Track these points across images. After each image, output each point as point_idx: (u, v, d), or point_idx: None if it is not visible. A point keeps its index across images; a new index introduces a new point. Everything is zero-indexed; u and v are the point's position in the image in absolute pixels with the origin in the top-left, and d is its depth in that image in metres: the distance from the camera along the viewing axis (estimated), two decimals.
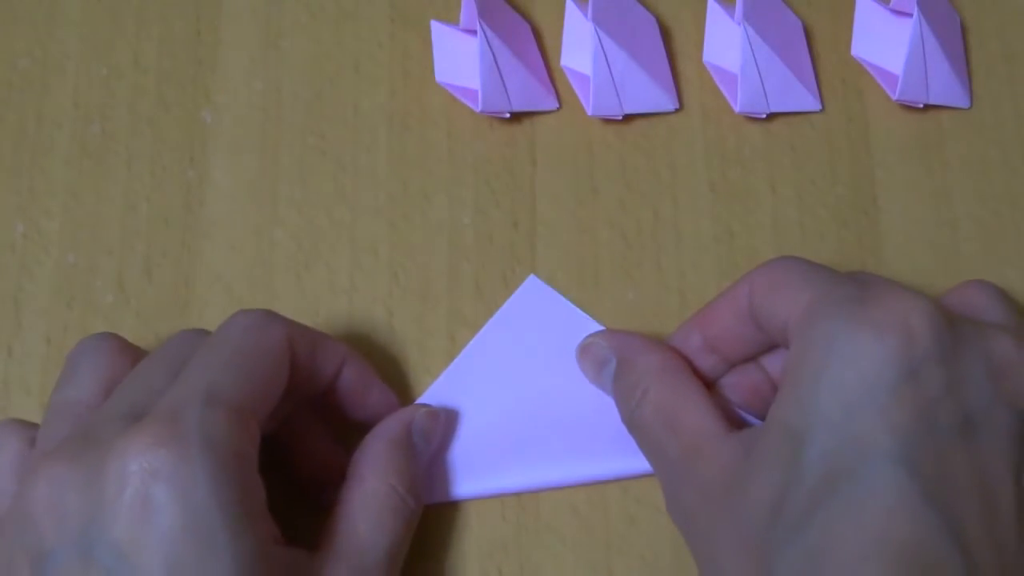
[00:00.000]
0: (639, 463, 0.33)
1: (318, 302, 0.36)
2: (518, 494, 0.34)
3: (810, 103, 0.38)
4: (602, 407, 0.34)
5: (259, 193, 0.37)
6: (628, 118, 0.38)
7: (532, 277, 0.36)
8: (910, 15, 0.37)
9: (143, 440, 0.26)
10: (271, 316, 0.31)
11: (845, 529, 0.26)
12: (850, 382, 0.27)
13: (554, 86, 0.38)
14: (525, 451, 0.34)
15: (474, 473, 0.34)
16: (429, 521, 0.33)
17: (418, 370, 0.35)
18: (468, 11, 0.37)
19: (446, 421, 0.34)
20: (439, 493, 0.33)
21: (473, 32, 0.37)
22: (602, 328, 0.35)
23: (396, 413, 0.33)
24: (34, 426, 0.31)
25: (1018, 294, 0.36)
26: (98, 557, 0.26)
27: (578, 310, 0.35)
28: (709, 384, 0.33)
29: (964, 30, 0.39)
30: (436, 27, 0.39)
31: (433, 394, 0.34)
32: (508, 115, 0.37)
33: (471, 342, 0.35)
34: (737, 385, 0.33)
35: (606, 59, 0.37)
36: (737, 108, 0.37)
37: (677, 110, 0.38)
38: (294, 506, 0.32)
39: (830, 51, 0.39)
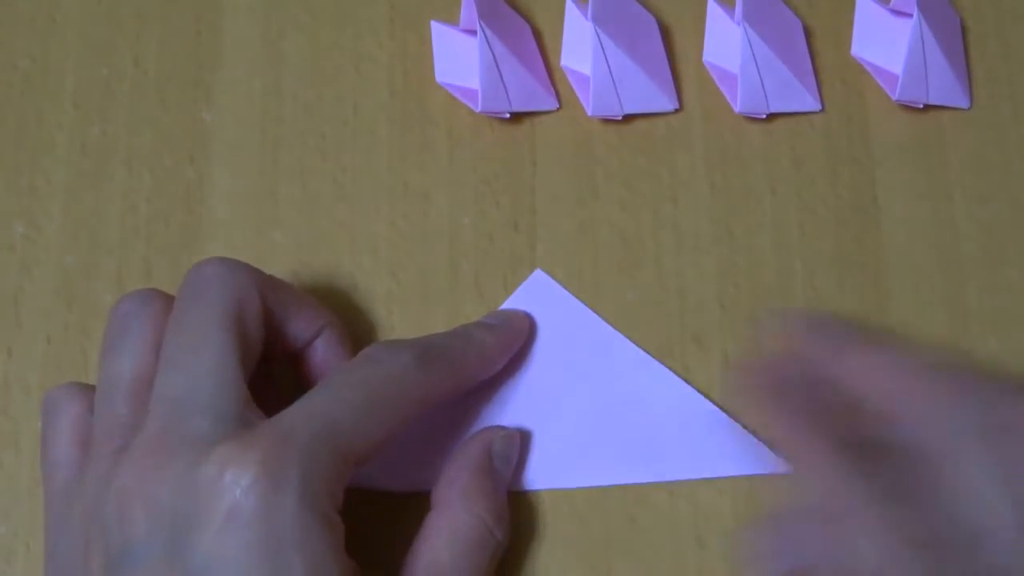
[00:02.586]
0: (638, 469, 0.33)
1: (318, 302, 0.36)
2: (514, 492, 0.34)
3: (810, 103, 0.38)
4: (601, 409, 0.34)
5: (259, 193, 0.37)
6: (628, 118, 0.38)
7: (538, 271, 0.36)
8: (910, 15, 0.37)
9: (247, 455, 0.26)
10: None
11: None
12: None
13: (554, 86, 0.38)
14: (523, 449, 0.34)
15: None
16: None
17: None
18: (468, 11, 0.37)
19: (521, 441, 0.33)
20: (430, 482, 0.33)
21: (473, 32, 0.37)
22: (607, 326, 0.35)
23: (475, 436, 0.33)
24: (92, 389, 0.31)
25: (1018, 293, 0.36)
26: (184, 562, 0.26)
27: (584, 307, 0.35)
28: None
29: (964, 30, 0.39)
30: (436, 27, 0.39)
31: None
32: (508, 115, 0.37)
33: None
34: None
35: (606, 59, 0.37)
36: (737, 108, 0.37)
37: (677, 110, 0.38)
38: (374, 534, 0.32)
39: (830, 51, 0.39)
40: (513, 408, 0.34)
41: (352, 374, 0.30)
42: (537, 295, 0.36)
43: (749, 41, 0.37)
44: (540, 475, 0.34)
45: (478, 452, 0.32)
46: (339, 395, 0.29)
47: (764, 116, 0.38)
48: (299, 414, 0.28)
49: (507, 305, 0.35)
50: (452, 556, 0.30)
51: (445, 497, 0.31)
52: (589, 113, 0.37)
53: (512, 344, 0.34)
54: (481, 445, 0.32)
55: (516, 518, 0.33)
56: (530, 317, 0.35)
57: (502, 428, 0.33)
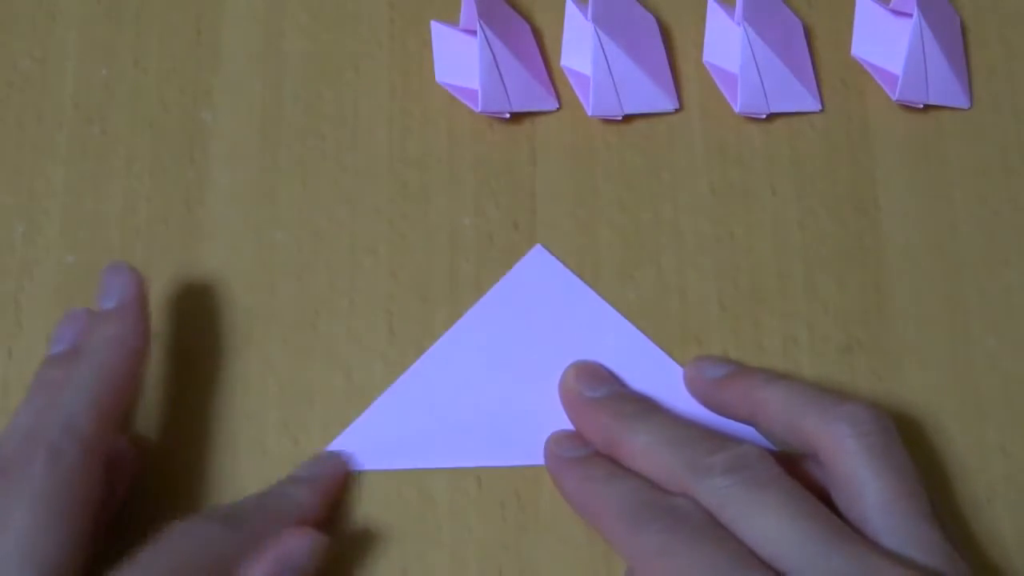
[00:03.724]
0: None
1: (318, 302, 0.36)
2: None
3: (810, 103, 0.38)
4: None
5: (259, 193, 0.37)
6: (628, 118, 0.38)
7: (538, 247, 0.36)
8: (910, 15, 0.37)
9: None
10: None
11: None
12: None
13: (554, 86, 0.38)
14: (517, 426, 0.34)
15: (460, 444, 0.34)
16: (429, 520, 0.33)
17: None
18: (468, 11, 0.37)
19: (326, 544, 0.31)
20: (425, 460, 0.34)
21: (473, 32, 0.37)
22: (605, 304, 0.35)
23: (274, 543, 0.30)
24: None
25: (1018, 294, 0.36)
26: None
27: (582, 283, 0.35)
28: None
29: (964, 30, 0.39)
30: (436, 27, 0.39)
31: (426, 364, 0.35)
32: (508, 115, 0.37)
33: (469, 311, 0.35)
34: None
35: (606, 59, 0.37)
36: (737, 108, 0.37)
37: (677, 110, 0.38)
38: None
39: (830, 51, 0.39)
40: (507, 385, 0.34)
41: (161, 549, 0.28)
42: (536, 271, 0.36)
43: (749, 41, 0.37)
44: (527, 453, 0.34)
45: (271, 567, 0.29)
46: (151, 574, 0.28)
47: (764, 116, 0.38)
48: None
49: (505, 281, 0.36)
50: None
51: None
52: (589, 113, 0.37)
53: (331, 490, 0.33)
54: (276, 559, 0.30)
55: (516, 518, 0.34)
56: (342, 457, 0.34)
57: (309, 531, 0.30)
